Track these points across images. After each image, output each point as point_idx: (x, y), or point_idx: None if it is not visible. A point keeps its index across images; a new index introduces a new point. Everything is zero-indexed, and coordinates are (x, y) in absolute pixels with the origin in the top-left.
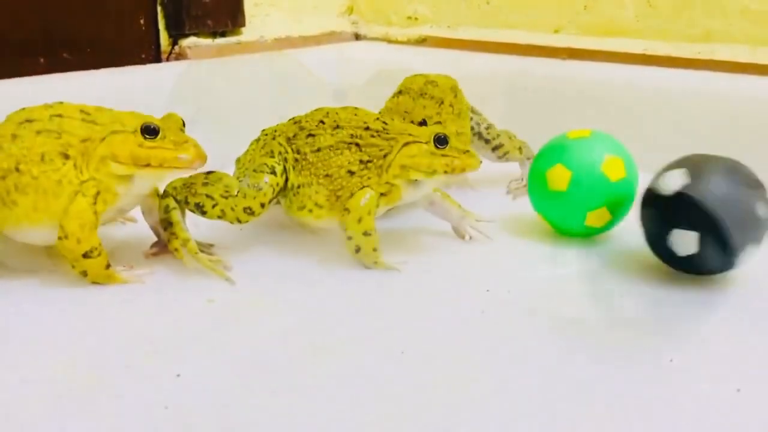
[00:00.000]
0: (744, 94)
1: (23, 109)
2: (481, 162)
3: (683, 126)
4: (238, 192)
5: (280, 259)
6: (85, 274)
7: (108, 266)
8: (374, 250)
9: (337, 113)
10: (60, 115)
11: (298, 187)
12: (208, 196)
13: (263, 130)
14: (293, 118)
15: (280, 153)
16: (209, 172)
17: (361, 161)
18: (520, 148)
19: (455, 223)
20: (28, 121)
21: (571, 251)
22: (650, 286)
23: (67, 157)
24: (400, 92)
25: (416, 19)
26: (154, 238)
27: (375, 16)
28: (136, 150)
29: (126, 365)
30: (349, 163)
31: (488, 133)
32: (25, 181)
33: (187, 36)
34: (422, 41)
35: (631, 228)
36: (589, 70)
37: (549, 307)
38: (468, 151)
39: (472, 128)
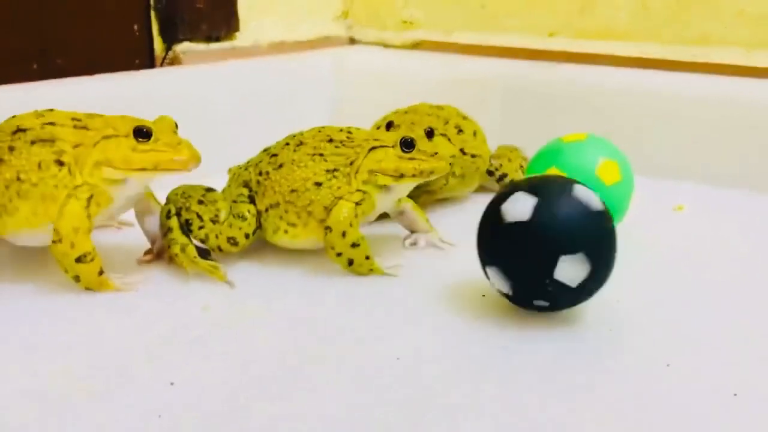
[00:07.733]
0: (740, 97)
1: (13, 117)
2: (450, 165)
3: (679, 129)
4: (224, 220)
5: (276, 265)
6: (77, 279)
7: (101, 272)
8: (367, 258)
9: (301, 133)
10: (52, 123)
11: (266, 210)
12: (198, 215)
13: (238, 165)
14: (264, 148)
15: (249, 181)
16: (209, 189)
17: (327, 171)
18: (521, 166)
19: (419, 232)
20: (21, 130)
21: None
22: (644, 289)
23: (61, 164)
24: (406, 112)
25: (411, 23)
26: (148, 245)
27: (370, 21)
28: (129, 154)
29: (119, 373)
30: (314, 174)
31: (491, 165)
32: (26, 188)
33: (181, 41)
34: (417, 45)
35: (625, 232)
36: (584, 74)
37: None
38: (436, 153)
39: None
